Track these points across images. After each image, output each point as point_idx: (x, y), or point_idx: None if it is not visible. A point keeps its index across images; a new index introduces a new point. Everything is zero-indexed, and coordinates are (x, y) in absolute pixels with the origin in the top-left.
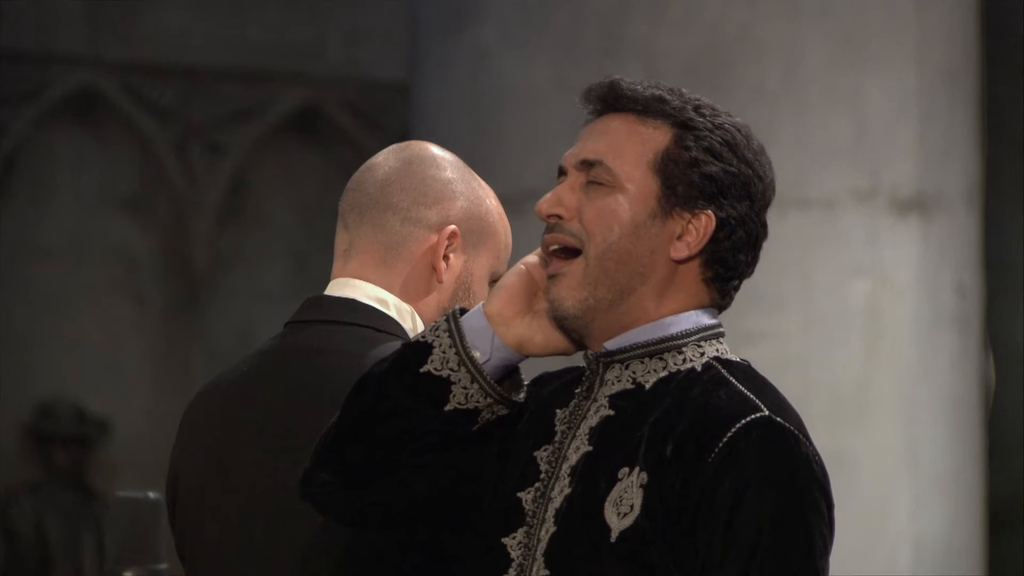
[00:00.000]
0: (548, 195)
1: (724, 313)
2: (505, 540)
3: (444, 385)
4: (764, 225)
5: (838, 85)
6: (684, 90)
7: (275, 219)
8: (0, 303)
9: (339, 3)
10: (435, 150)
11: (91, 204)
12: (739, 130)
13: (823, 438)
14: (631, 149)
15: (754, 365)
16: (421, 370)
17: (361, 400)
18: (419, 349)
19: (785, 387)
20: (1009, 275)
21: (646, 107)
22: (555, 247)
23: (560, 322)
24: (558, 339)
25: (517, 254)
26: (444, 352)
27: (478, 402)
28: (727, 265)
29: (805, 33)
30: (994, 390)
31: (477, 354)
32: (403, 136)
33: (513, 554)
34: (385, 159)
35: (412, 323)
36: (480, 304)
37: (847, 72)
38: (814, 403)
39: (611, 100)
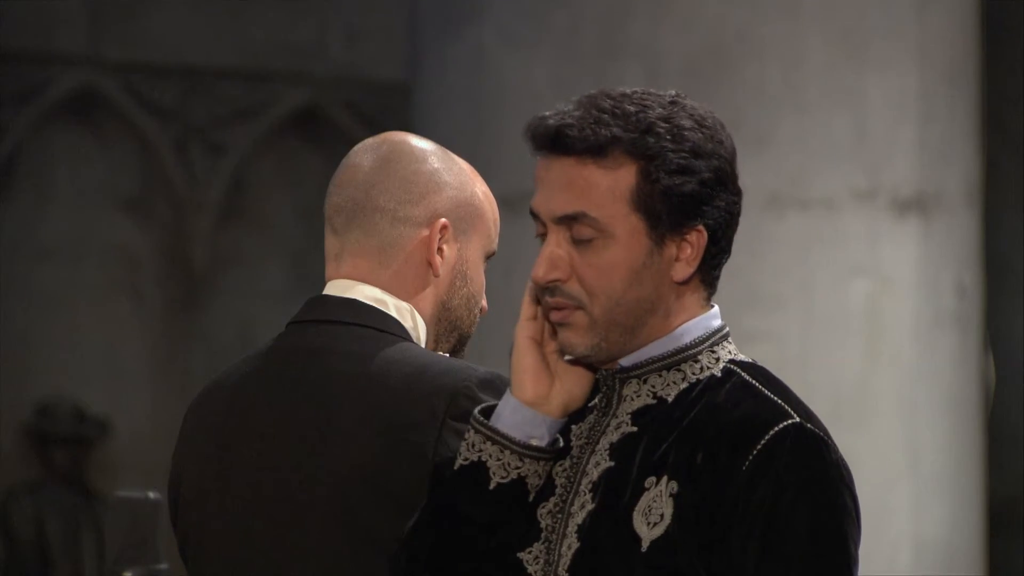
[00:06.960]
0: (540, 260)
1: (723, 314)
2: (521, 555)
3: (521, 486)
4: (739, 191)
5: (838, 85)
6: (628, 107)
7: (275, 219)
8: (0, 303)
9: (339, 3)
10: (414, 141)
11: (91, 204)
12: (696, 122)
13: None
14: (604, 194)
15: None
16: (491, 488)
17: (444, 534)
18: (476, 472)
19: None
20: (1009, 275)
21: (600, 149)
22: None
23: (576, 359)
24: (586, 376)
25: (516, 254)
26: (500, 459)
27: (539, 474)
28: (719, 250)
29: (805, 33)
30: (994, 390)
31: (535, 441)
32: None
33: (530, 569)
34: (364, 158)
35: (412, 320)
36: (509, 397)
37: (847, 72)
38: (814, 403)
39: (561, 147)
